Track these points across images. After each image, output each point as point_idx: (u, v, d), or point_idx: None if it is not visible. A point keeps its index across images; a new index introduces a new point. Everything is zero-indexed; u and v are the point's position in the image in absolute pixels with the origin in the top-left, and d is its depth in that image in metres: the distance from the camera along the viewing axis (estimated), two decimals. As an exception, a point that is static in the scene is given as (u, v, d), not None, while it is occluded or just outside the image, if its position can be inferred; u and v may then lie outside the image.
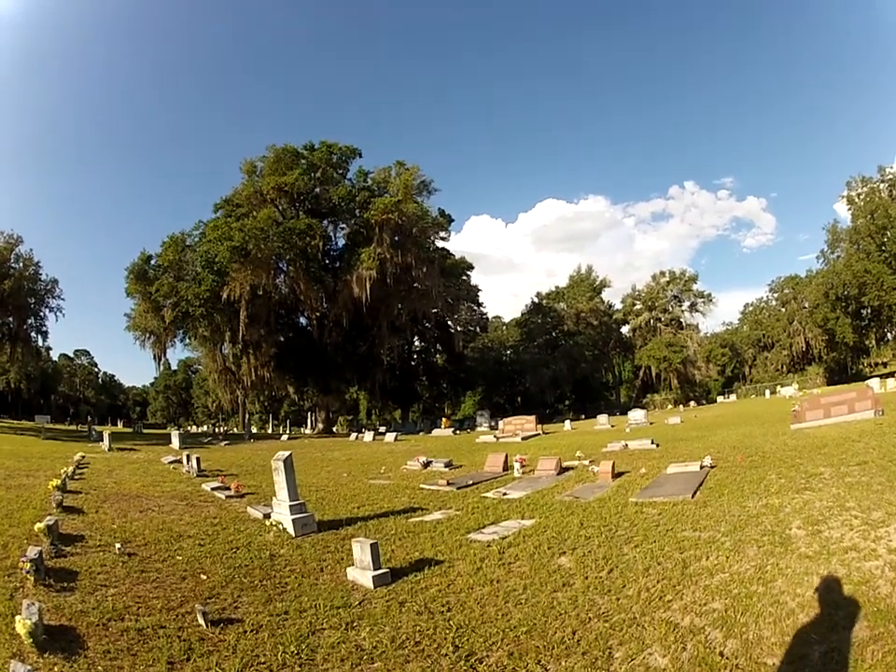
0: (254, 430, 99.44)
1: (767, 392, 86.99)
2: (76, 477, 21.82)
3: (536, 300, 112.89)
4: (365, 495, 19.43)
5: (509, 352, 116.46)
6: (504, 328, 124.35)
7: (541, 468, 21.87)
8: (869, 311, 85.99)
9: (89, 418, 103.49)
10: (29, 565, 9.01)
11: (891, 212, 76.87)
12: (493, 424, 59.46)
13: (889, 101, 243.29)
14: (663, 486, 16.55)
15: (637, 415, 48.49)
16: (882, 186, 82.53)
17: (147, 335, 69.24)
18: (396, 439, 45.67)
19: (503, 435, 43.53)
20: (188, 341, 77.16)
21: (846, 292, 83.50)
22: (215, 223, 65.92)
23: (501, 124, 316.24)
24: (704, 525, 12.03)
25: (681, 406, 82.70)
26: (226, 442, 48.74)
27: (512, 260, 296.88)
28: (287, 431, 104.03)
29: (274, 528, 13.82)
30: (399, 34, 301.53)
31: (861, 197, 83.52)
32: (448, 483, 20.29)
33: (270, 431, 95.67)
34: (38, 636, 6.91)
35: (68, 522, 13.64)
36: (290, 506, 13.84)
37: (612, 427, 46.18)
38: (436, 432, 56.43)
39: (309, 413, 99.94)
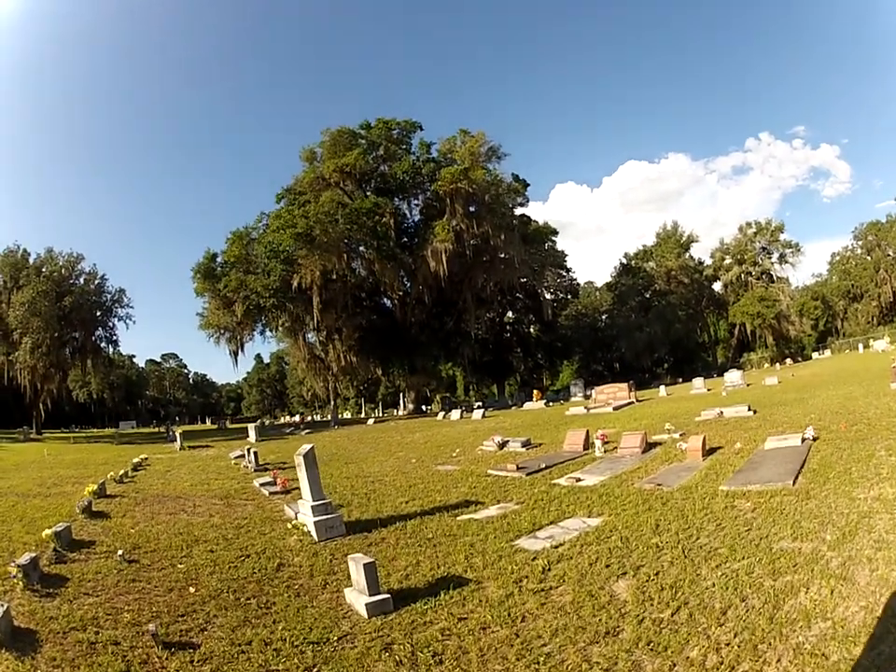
0: (348, 416, 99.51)
1: (861, 346, 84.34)
2: (125, 480, 21.84)
3: (624, 260, 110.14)
4: (423, 485, 17.75)
5: (604, 317, 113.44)
6: (597, 293, 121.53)
7: (625, 445, 19.32)
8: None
9: (167, 420, 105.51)
10: (16, 570, 9.11)
11: None
12: (588, 393, 56.55)
13: None
14: (759, 469, 14.28)
15: (733, 377, 45.74)
16: None
17: (221, 332, 68.88)
18: (483, 416, 43.98)
19: (595, 405, 41.55)
20: (270, 333, 76.58)
21: None
22: (277, 213, 65.68)
23: (576, 91, 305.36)
24: (806, 529, 9.58)
25: (777, 364, 79.00)
26: (307, 431, 47.58)
27: (601, 225, 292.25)
28: (378, 414, 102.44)
29: (297, 532, 12.42)
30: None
31: None
32: (518, 468, 17.97)
33: (363, 416, 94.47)
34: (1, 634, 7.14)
35: (88, 527, 13.78)
36: (313, 506, 12.36)
37: (708, 390, 44.01)
38: (527, 405, 54.12)
39: (401, 395, 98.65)
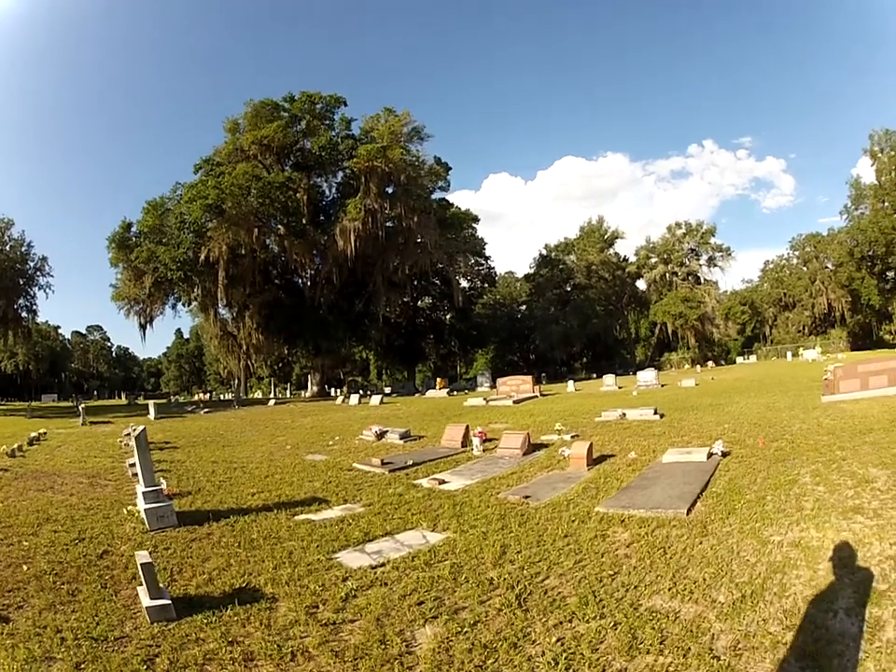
0: (259, 395, 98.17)
1: (789, 354, 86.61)
2: (17, 455, 21.69)
3: (544, 251, 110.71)
4: (280, 475, 17.06)
5: (523, 308, 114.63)
6: (517, 283, 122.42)
7: (505, 445, 18.37)
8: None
9: (87, 394, 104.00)
10: None
11: None
12: (493, 384, 56.63)
13: None
14: (650, 488, 12.51)
15: (647, 376, 45.83)
16: None
17: (132, 304, 66.75)
18: (381, 402, 44.19)
19: (496, 397, 41.09)
20: (183, 307, 75.37)
21: (871, 251, 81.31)
22: (191, 184, 64.08)
23: (519, 82, 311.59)
24: (692, 582, 7.60)
25: (698, 366, 79.98)
26: (206, 410, 47.23)
27: (533, 218, 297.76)
28: (287, 395, 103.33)
29: (134, 518, 11.88)
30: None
31: (886, 151, 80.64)
32: (383, 464, 17.11)
33: (272, 396, 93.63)
34: None
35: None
36: (144, 493, 11.67)
37: (619, 388, 44.23)
38: (430, 393, 54.44)
39: (308, 376, 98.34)
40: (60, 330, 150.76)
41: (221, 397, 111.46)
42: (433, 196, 76.77)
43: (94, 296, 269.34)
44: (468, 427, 20.98)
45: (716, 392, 34.55)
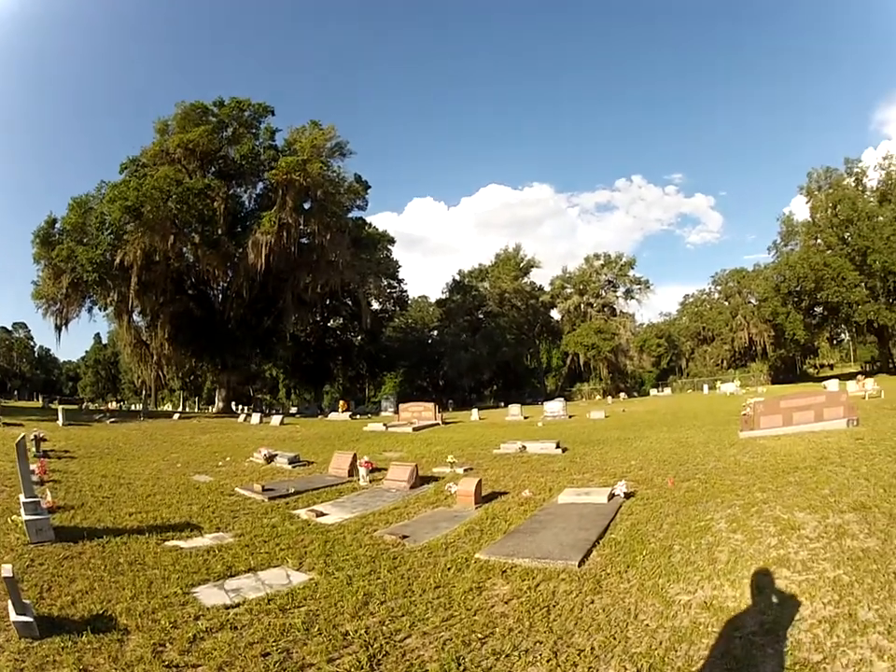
0: (168, 408, 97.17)
1: (706, 387, 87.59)
2: None
3: (457, 277, 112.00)
4: (162, 495, 16.80)
5: (434, 333, 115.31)
6: (430, 308, 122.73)
7: (392, 477, 17.98)
8: (824, 308, 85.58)
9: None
10: None
11: (859, 204, 76.66)
12: (397, 409, 55.71)
13: (839, 104, 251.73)
14: (540, 533, 11.64)
15: (554, 407, 45.54)
16: (849, 180, 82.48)
17: (49, 303, 65.13)
18: (281, 422, 43.84)
19: (397, 423, 41.27)
20: (99, 311, 72.39)
21: (799, 287, 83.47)
22: (114, 183, 62.56)
23: (446, 108, 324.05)
24: (578, 651, 6.69)
25: (610, 398, 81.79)
26: (113, 420, 45.96)
27: (454, 244, 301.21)
28: (188, 409, 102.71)
29: (18, 529, 11.76)
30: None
31: (824, 189, 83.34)
32: (264, 490, 16.87)
33: (180, 410, 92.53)
34: None
35: None
36: (24, 503, 11.58)
37: (525, 418, 44.46)
38: (333, 416, 54.48)
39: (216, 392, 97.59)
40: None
41: (133, 407, 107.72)
42: (350, 214, 76.80)
43: (25, 290, 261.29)
44: (355, 455, 20.52)
45: (626, 425, 34.36)
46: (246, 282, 64.66)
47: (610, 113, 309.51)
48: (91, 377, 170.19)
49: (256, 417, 46.93)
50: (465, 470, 19.52)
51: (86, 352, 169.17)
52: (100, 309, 71.13)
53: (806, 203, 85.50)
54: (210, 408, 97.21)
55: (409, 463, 18.98)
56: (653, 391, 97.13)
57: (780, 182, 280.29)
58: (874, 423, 22.87)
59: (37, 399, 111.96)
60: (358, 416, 55.35)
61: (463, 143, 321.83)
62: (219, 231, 63.56)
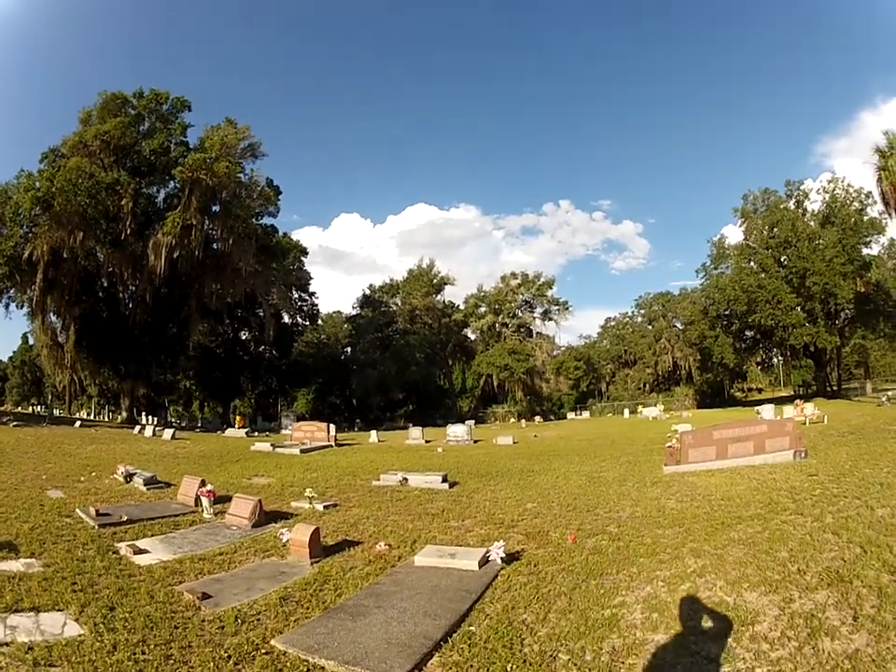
0: (84, 415, 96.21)
1: (626, 411, 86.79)
2: None
3: (367, 292, 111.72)
4: (3, 510, 16.04)
5: (348, 349, 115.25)
6: (345, 325, 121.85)
7: (234, 512, 15.91)
8: (756, 331, 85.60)
9: None
10: None
11: (799, 226, 77.12)
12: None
13: (779, 134, 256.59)
14: (369, 615, 8.93)
15: (457, 431, 44.93)
16: (788, 202, 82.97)
17: None
18: (172, 437, 42.66)
19: (286, 443, 40.37)
20: (17, 308, 69.68)
21: (729, 310, 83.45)
22: (30, 173, 60.99)
23: (379, 126, 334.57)
24: None
25: (524, 421, 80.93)
26: (15, 424, 44.92)
27: (376, 261, 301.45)
28: (98, 417, 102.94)
29: None
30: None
31: (761, 212, 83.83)
32: (98, 515, 15.45)
33: (82, 417, 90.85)
34: None
35: None
36: None
37: (426, 442, 43.66)
38: (229, 432, 53.86)
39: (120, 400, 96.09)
40: None
41: (57, 412, 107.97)
42: (262, 221, 75.97)
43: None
44: (202, 481, 18.43)
45: (533, 453, 32.86)
46: (150, 286, 63.38)
47: (543, 135, 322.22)
48: (17, 379, 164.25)
49: (149, 430, 46.14)
50: (325, 507, 17.65)
51: (13, 352, 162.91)
52: (17, 306, 69.03)
53: (740, 225, 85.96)
54: (118, 418, 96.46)
55: (252, 497, 16.41)
56: (571, 414, 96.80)
57: (710, 210, 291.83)
58: (825, 454, 21.40)
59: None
60: (257, 433, 54.53)
61: (395, 160, 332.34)
62: (127, 230, 61.81)
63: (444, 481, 21.42)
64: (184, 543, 13.90)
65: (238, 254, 66.32)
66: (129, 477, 22.41)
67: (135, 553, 12.47)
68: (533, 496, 18.34)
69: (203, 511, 17.18)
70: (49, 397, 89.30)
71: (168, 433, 43.61)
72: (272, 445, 37.66)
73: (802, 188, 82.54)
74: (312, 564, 11.95)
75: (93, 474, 23.94)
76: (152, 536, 14.52)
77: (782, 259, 79.05)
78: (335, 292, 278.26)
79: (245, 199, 68.66)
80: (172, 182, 67.54)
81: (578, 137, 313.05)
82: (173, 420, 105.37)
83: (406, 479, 21.89)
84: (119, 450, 33.98)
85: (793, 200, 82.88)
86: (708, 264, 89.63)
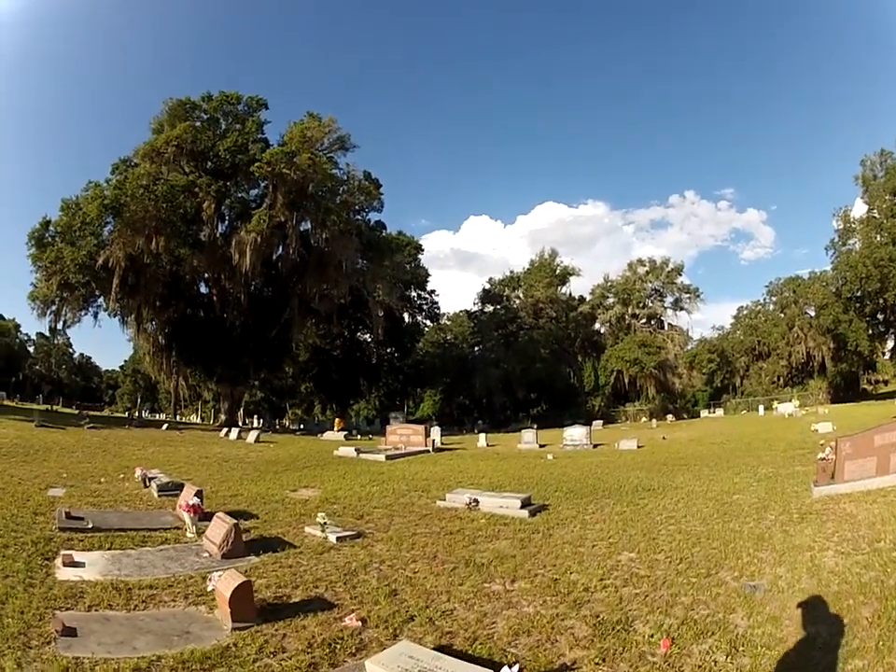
0: (194, 420, 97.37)
1: (761, 408, 79.36)
2: None
3: (487, 286, 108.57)
4: None
5: (475, 349, 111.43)
6: (469, 323, 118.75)
7: (210, 536, 12.43)
8: (890, 313, 79.09)
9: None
10: None
11: None
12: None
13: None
14: None
15: (574, 434, 40.41)
16: None
17: (45, 306, 62.95)
18: (256, 440, 40.63)
19: (378, 448, 37.11)
20: (110, 317, 69.55)
21: (861, 289, 76.95)
22: (97, 182, 60.72)
23: (505, 127, 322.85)
24: None
25: (655, 420, 74.87)
26: (91, 426, 43.12)
27: (509, 262, 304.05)
28: (183, 420, 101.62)
29: None
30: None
31: (880, 177, 76.52)
32: (68, 517, 13.66)
33: (169, 419, 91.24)
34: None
35: None
36: None
37: (541, 447, 39.49)
38: (327, 435, 50.64)
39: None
40: (22, 329, 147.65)
41: (176, 418, 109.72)
42: (366, 217, 74.58)
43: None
44: (200, 491, 14.83)
45: (656, 462, 27.77)
46: (245, 287, 62.88)
47: (661, 129, 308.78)
48: (129, 386, 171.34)
49: (234, 433, 44.43)
50: (338, 539, 13.28)
51: (125, 360, 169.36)
52: (110, 315, 68.90)
53: (863, 195, 79.72)
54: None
55: (228, 521, 12.27)
56: (705, 412, 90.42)
57: (829, 195, 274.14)
58: None
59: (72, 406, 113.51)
60: (359, 437, 52.04)
61: (523, 161, 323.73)
62: (210, 231, 61.63)
63: (525, 505, 16.46)
64: (130, 564, 11.32)
65: (339, 250, 64.08)
66: (147, 481, 20.06)
67: (66, 566, 10.46)
68: (636, 537, 13.16)
69: (186, 528, 14.04)
70: (164, 402, 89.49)
71: (252, 436, 41.91)
72: (356, 451, 34.25)
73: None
74: (233, 630, 8.12)
75: (121, 476, 21.93)
76: (108, 549, 12.18)
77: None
78: (470, 294, 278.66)
79: (341, 193, 67.25)
80: (262, 182, 65.99)
81: (696, 121, 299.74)
82: (287, 423, 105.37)
83: (477, 501, 17.09)
84: (183, 453, 32.21)
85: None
86: (836, 240, 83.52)
